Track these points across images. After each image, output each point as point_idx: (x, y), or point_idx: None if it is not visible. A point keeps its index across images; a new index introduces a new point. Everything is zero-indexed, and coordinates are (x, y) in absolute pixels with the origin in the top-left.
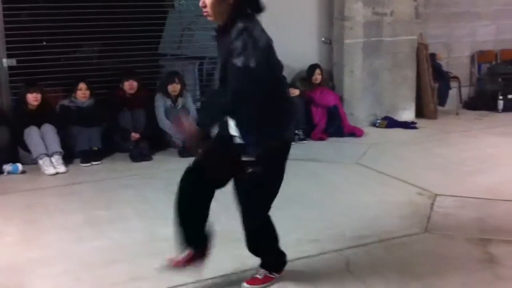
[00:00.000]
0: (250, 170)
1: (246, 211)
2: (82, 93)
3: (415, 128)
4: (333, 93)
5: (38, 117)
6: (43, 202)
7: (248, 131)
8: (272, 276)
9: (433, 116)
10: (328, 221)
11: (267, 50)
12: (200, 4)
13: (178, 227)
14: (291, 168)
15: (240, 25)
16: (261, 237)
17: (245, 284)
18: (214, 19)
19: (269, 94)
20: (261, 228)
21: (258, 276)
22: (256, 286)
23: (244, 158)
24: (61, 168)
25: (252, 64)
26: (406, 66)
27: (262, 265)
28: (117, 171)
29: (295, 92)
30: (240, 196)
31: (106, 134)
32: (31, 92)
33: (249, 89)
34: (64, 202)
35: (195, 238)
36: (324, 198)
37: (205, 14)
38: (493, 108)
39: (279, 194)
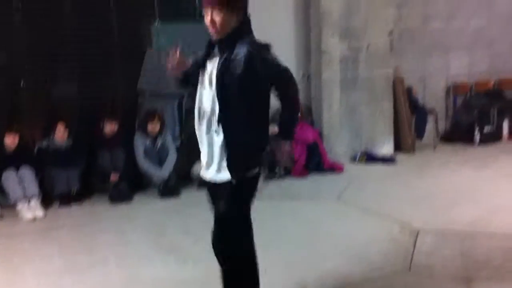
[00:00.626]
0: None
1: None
2: (60, 134)
3: (394, 162)
4: (312, 129)
5: (15, 159)
6: (22, 248)
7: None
8: None
9: (411, 149)
10: (311, 261)
11: None
12: (208, 22)
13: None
14: (272, 207)
15: (254, 40)
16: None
17: None
18: (221, 36)
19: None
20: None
21: None
22: None
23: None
24: (39, 212)
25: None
26: (383, 100)
27: None
28: (96, 213)
29: (275, 129)
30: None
31: (84, 175)
32: (9, 134)
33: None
34: (43, 247)
35: None
36: (306, 237)
37: (213, 31)
38: (469, 140)
39: (262, 235)
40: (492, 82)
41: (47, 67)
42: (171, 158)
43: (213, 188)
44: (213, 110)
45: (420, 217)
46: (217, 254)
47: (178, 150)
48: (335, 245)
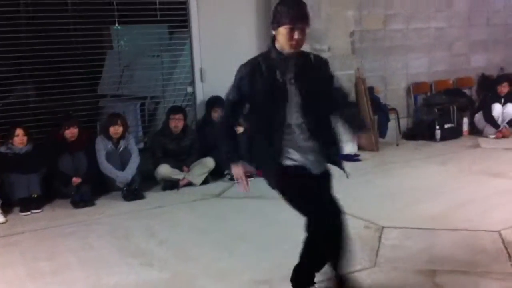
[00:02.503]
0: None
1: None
2: (19, 139)
3: (358, 160)
4: None
5: None
6: None
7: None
8: None
9: (374, 148)
10: (278, 260)
11: None
12: (297, 37)
13: None
14: (236, 206)
15: (317, 54)
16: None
17: None
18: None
19: None
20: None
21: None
22: None
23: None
24: (0, 218)
25: None
26: None
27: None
28: (58, 218)
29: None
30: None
31: (45, 180)
32: None
33: None
34: (4, 254)
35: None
36: (272, 236)
37: (298, 44)
38: (431, 137)
39: (226, 235)
40: (451, 81)
41: (3, 72)
42: (134, 160)
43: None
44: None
45: (385, 214)
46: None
47: (141, 152)
48: (301, 243)
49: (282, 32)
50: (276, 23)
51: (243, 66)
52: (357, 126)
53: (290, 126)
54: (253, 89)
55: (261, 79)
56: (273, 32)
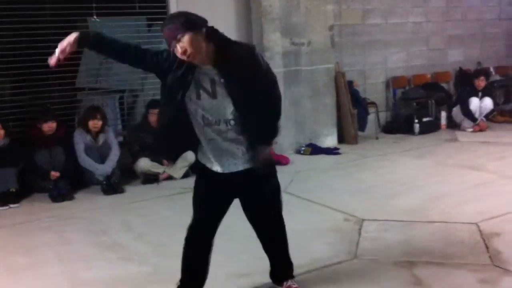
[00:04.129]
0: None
1: (275, 219)
2: None
3: (338, 153)
4: None
5: None
6: None
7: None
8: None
9: (354, 141)
10: (257, 253)
11: None
12: (181, 51)
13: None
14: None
15: (244, 45)
16: (287, 241)
17: None
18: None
19: None
20: (285, 231)
21: (292, 284)
22: None
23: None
24: None
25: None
26: (325, 94)
27: (291, 276)
28: (35, 213)
29: None
30: (267, 207)
31: (23, 175)
32: None
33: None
34: None
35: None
36: (251, 229)
37: (190, 57)
38: (409, 131)
39: None
40: (429, 75)
41: None
42: (115, 153)
43: None
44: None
45: (364, 207)
46: None
47: (121, 146)
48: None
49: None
50: None
51: None
52: (263, 137)
53: None
54: None
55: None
56: None
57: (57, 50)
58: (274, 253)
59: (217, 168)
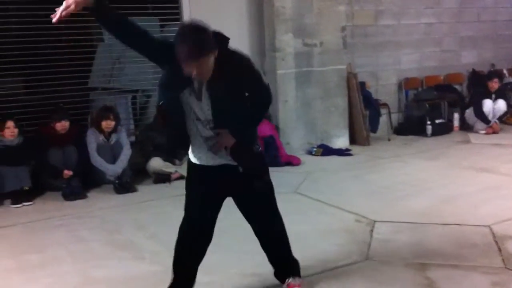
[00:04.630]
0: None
1: (269, 217)
2: (10, 131)
3: (349, 155)
4: (268, 123)
5: None
6: None
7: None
8: (300, 281)
9: (365, 142)
10: None
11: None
12: (194, 73)
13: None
14: (227, 200)
15: (237, 56)
16: (286, 239)
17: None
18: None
19: None
20: (283, 229)
21: (293, 282)
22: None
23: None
24: None
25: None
26: (337, 95)
27: (292, 273)
28: (48, 211)
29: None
30: (259, 206)
31: (36, 173)
32: None
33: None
34: None
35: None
36: None
37: (200, 77)
38: (421, 132)
39: (216, 227)
40: (441, 77)
41: None
42: (125, 153)
43: None
44: None
45: (376, 208)
46: None
47: (132, 146)
48: (292, 236)
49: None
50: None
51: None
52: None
53: None
54: None
55: None
56: None
57: (62, 7)
58: (272, 251)
59: (203, 162)
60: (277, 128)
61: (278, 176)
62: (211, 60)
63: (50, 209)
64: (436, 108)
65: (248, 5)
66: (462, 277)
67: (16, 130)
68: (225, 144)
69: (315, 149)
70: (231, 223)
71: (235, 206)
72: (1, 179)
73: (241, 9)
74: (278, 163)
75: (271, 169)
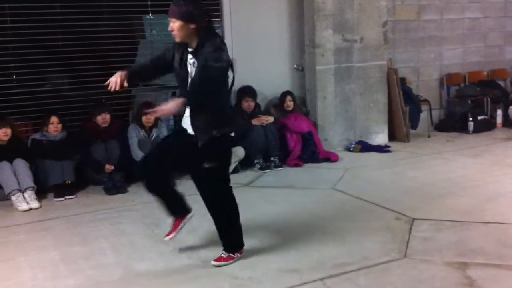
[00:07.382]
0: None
1: (207, 190)
2: (54, 127)
3: (388, 151)
4: (306, 119)
5: (8, 152)
6: (17, 239)
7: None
8: (233, 256)
9: (405, 139)
10: (306, 250)
11: (229, 64)
12: (170, 28)
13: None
14: (267, 195)
15: (217, 41)
16: (222, 217)
17: (213, 262)
18: (181, 40)
19: (222, 96)
20: (222, 208)
21: (222, 255)
22: (221, 262)
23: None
24: (34, 204)
25: (219, 64)
26: (377, 91)
27: (225, 248)
28: (91, 204)
29: (269, 118)
30: (200, 182)
31: (78, 167)
32: (1, 127)
33: (215, 83)
34: (38, 238)
35: (172, 207)
36: (301, 225)
37: (175, 36)
38: (463, 129)
39: (255, 224)
40: (485, 72)
41: (38, 60)
42: None
43: None
44: None
45: (415, 206)
46: None
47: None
48: (331, 233)
49: None
50: None
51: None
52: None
53: None
54: None
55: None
56: None
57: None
58: (215, 222)
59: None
60: (315, 124)
61: (316, 172)
62: (186, 30)
63: (92, 202)
64: (478, 105)
65: (288, 1)
66: (504, 276)
67: (60, 126)
68: (159, 112)
69: (353, 146)
70: (277, 219)
71: (286, 201)
72: (45, 173)
73: (281, 5)
74: (316, 159)
75: (309, 165)
